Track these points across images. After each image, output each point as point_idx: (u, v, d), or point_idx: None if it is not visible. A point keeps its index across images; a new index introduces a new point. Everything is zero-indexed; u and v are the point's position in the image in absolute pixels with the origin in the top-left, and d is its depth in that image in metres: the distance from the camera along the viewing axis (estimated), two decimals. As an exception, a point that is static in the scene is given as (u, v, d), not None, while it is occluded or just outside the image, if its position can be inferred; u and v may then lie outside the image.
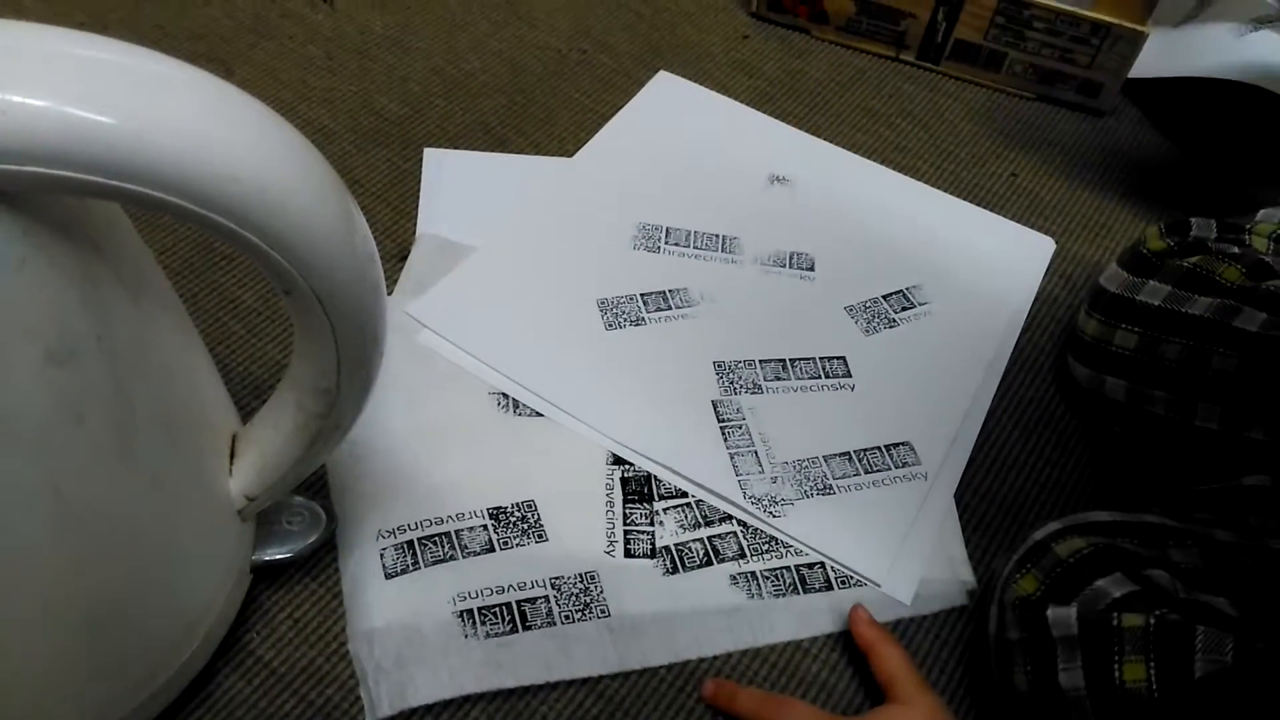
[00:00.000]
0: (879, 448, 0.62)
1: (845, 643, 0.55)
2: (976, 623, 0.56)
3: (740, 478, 0.60)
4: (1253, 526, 0.51)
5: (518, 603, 0.53)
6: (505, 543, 0.56)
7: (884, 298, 0.70)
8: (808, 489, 0.60)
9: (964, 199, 0.78)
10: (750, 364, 0.66)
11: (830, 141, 0.81)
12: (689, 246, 0.72)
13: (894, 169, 0.80)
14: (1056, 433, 0.65)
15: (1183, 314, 0.58)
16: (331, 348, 0.39)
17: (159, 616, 0.45)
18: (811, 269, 0.72)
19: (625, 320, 0.67)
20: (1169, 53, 0.87)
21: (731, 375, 0.65)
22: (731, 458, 0.61)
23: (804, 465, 0.61)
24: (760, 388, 0.65)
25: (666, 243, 0.72)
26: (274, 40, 0.83)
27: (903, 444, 0.63)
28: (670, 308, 0.68)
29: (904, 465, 0.62)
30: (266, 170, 0.34)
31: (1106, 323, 0.61)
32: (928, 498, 0.61)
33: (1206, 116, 0.86)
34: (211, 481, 0.46)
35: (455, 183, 0.74)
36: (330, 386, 0.42)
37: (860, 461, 0.62)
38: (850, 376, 0.66)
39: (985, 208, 0.78)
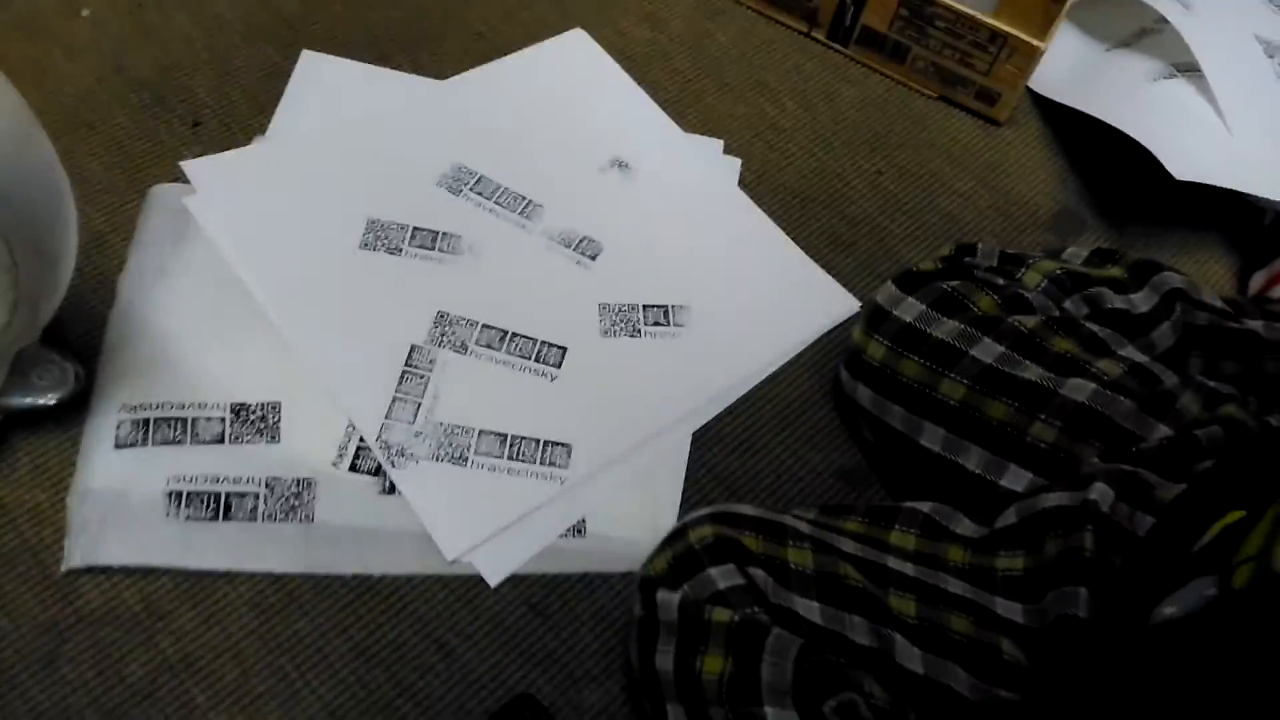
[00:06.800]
0: (537, 440, 0.61)
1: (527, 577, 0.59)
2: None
3: (386, 420, 0.61)
4: (864, 536, 0.52)
5: (226, 494, 0.58)
6: (237, 438, 0.60)
7: (645, 306, 0.68)
8: (442, 453, 0.60)
9: (825, 189, 0.78)
10: (472, 324, 0.65)
11: (706, 106, 0.81)
12: (489, 199, 0.71)
13: (762, 146, 0.80)
14: (811, 427, 0.67)
15: (925, 334, 0.59)
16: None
17: None
18: (594, 258, 0.70)
19: (381, 245, 0.68)
20: (1085, 78, 0.84)
21: (447, 328, 0.65)
22: (393, 401, 0.62)
23: (454, 431, 0.61)
24: (466, 348, 0.64)
25: (472, 189, 0.72)
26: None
27: (562, 445, 0.62)
28: (433, 248, 0.68)
29: (550, 464, 0.61)
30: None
31: (865, 332, 0.62)
32: (553, 502, 0.60)
33: (1106, 151, 0.83)
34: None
35: (322, 89, 0.77)
36: (8, 264, 0.46)
37: (511, 446, 0.61)
38: (559, 368, 0.65)
39: (843, 202, 0.78)
